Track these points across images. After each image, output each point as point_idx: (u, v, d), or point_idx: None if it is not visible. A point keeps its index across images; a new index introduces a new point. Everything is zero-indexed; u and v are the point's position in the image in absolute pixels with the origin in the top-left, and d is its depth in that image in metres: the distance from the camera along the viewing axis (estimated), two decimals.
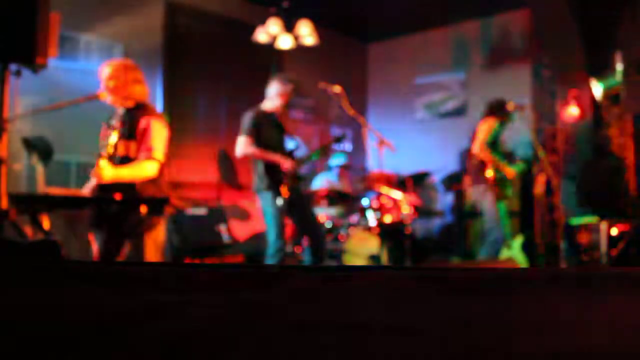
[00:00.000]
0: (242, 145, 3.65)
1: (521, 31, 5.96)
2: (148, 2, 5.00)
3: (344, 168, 5.52)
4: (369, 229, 4.63)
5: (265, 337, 0.74)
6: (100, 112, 3.18)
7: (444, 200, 6.29)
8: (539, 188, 4.97)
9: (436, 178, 6.15)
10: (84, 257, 3.09)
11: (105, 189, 2.73)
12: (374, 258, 4.42)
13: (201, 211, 4.78)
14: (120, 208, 2.65)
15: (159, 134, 2.86)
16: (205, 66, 5.46)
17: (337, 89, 3.97)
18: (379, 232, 4.51)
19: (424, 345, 0.70)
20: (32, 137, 3.44)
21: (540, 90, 5.55)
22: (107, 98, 2.89)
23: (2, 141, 2.27)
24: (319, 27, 5.28)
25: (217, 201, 5.20)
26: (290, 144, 3.93)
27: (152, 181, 2.84)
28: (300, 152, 4.05)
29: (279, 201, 3.57)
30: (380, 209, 4.68)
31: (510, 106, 4.35)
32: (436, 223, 6.35)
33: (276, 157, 3.65)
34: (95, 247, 2.80)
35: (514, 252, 4.32)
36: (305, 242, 3.95)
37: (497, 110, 4.38)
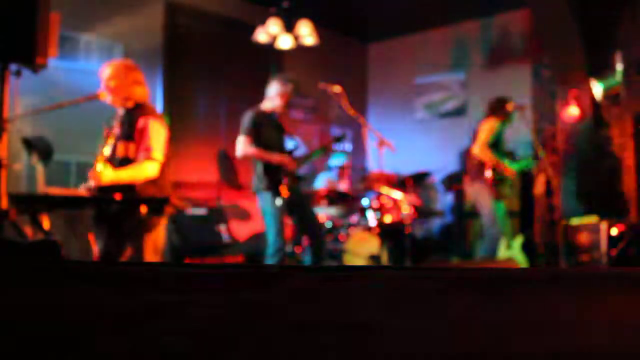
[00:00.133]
0: (242, 145, 3.65)
1: (521, 31, 5.96)
2: (148, 2, 5.00)
3: (343, 169, 5.51)
4: (369, 229, 4.63)
5: (265, 337, 0.74)
6: (100, 112, 3.18)
7: (444, 200, 6.29)
8: (539, 188, 4.97)
9: (436, 178, 6.14)
10: (84, 257, 3.09)
11: (105, 190, 2.74)
12: (374, 258, 4.42)
13: (201, 211, 4.78)
14: (120, 208, 2.65)
15: (157, 133, 2.86)
16: (205, 66, 5.46)
17: (337, 89, 3.97)
18: (379, 232, 4.51)
19: (424, 345, 0.70)
20: (32, 137, 3.44)
21: (540, 90, 5.55)
22: (107, 98, 2.89)
23: (2, 141, 2.27)
24: (319, 27, 5.28)
25: (217, 201, 5.20)
26: (290, 144, 3.93)
27: (153, 181, 2.84)
28: (300, 152, 4.05)
29: (278, 201, 3.58)
30: (380, 209, 4.68)
31: (510, 106, 4.35)
32: (436, 223, 6.35)
33: (276, 157, 3.65)
34: (95, 247, 2.80)
35: (514, 252, 4.31)
36: (305, 242, 3.95)
37: (498, 109, 4.37)
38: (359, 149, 6.37)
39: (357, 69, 7.18)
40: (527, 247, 4.52)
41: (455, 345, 0.70)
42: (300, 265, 4.14)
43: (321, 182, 5.42)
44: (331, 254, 4.53)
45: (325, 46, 5.62)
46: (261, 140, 3.66)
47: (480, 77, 6.29)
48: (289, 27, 5.18)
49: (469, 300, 1.05)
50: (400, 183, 5.32)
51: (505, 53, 6.14)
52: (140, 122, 2.84)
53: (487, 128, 4.30)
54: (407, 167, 5.76)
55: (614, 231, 4.31)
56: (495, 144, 4.32)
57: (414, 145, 6.29)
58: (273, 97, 3.77)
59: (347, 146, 6.37)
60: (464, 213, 5.93)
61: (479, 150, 4.27)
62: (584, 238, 4.46)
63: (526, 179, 5.15)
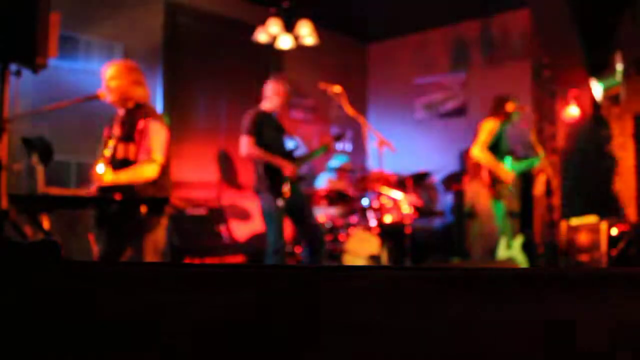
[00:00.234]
0: (245, 146, 3.65)
1: (521, 31, 5.96)
2: (148, 2, 5.00)
3: (343, 170, 5.50)
4: (369, 229, 4.62)
5: (265, 337, 0.74)
6: (100, 112, 3.18)
7: (444, 200, 6.29)
8: (539, 188, 4.97)
9: (436, 178, 6.14)
10: (84, 257, 3.09)
11: (105, 190, 2.74)
12: (374, 258, 4.42)
13: (201, 211, 4.78)
14: (120, 208, 2.66)
15: (157, 135, 2.87)
16: (205, 66, 5.46)
17: (337, 89, 3.97)
18: (379, 232, 4.51)
19: (424, 345, 0.70)
20: (32, 137, 3.43)
21: (540, 90, 5.54)
22: (107, 98, 2.90)
23: (2, 141, 2.27)
24: (319, 27, 5.28)
25: (217, 201, 5.20)
26: (290, 144, 3.93)
27: (153, 182, 2.84)
28: (300, 152, 4.05)
29: (280, 202, 3.58)
30: (380, 209, 4.68)
31: (510, 105, 4.33)
32: (436, 223, 6.35)
33: (278, 161, 3.66)
34: (95, 247, 2.80)
35: (514, 252, 4.31)
36: (304, 242, 3.95)
37: (498, 109, 4.35)
38: (359, 149, 6.37)
39: (357, 69, 7.17)
40: (527, 247, 4.51)
41: (455, 345, 0.70)
42: (300, 266, 4.14)
43: (322, 183, 5.42)
44: (331, 254, 4.53)
45: (325, 46, 5.61)
46: (262, 140, 3.66)
47: (480, 77, 6.28)
48: (289, 27, 5.18)
49: (469, 300, 1.05)
50: (400, 183, 5.32)
51: (505, 53, 6.13)
52: (141, 123, 2.85)
53: (487, 129, 4.28)
54: (407, 167, 5.76)
55: (614, 231, 4.31)
56: (497, 144, 4.30)
57: (414, 145, 6.28)
58: (271, 96, 3.78)
59: (347, 146, 6.36)
60: (464, 213, 5.92)
61: (477, 151, 4.25)
62: (584, 238, 4.46)
63: (526, 179, 5.14)
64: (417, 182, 5.49)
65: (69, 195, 2.99)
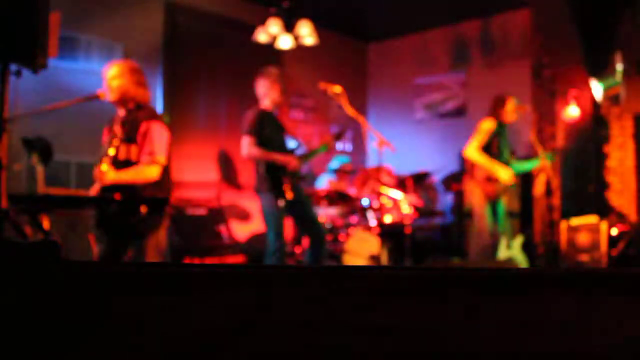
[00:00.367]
0: (247, 146, 3.64)
1: (521, 31, 5.96)
2: (148, 2, 5.00)
3: (343, 171, 5.50)
4: (369, 229, 4.62)
5: (265, 337, 0.74)
6: (100, 112, 3.18)
7: (444, 200, 6.29)
8: (539, 188, 4.97)
9: (436, 178, 6.14)
10: (84, 257, 3.09)
11: (106, 190, 2.75)
12: (374, 258, 4.42)
13: (201, 211, 4.78)
14: (121, 208, 2.66)
15: (159, 137, 2.88)
16: (205, 66, 5.46)
17: (337, 89, 3.96)
18: (379, 232, 4.51)
19: (424, 345, 0.70)
20: (32, 137, 3.44)
21: (540, 90, 5.54)
22: (107, 97, 2.90)
23: (2, 141, 2.27)
24: (319, 27, 5.28)
25: (217, 201, 5.20)
26: (291, 143, 3.93)
27: (154, 182, 2.85)
28: (301, 152, 4.05)
29: (281, 202, 3.57)
30: (380, 209, 4.68)
31: (508, 105, 4.31)
32: (436, 223, 6.35)
33: (280, 157, 3.65)
34: (95, 247, 2.81)
35: (514, 252, 4.31)
36: (305, 242, 3.95)
37: (494, 108, 4.33)
38: (359, 149, 6.37)
39: (357, 69, 7.17)
40: (527, 247, 4.51)
41: (455, 345, 0.70)
42: (301, 266, 4.14)
43: (322, 183, 5.42)
44: (331, 254, 4.53)
45: (325, 46, 5.61)
46: (263, 140, 3.66)
47: (480, 77, 6.28)
48: (289, 27, 5.17)
49: (469, 300, 1.05)
50: (400, 183, 5.32)
51: (505, 53, 6.14)
52: (143, 125, 2.86)
53: (482, 129, 4.27)
54: (407, 167, 5.76)
55: (614, 231, 4.31)
56: (497, 144, 4.28)
57: (414, 145, 6.28)
58: (267, 92, 3.75)
59: (347, 146, 6.37)
60: (464, 213, 5.92)
61: (470, 151, 4.24)
62: (584, 238, 4.46)
63: (526, 179, 5.14)
64: (417, 182, 5.49)
65: (69, 195, 3.00)
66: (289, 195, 3.58)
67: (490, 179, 4.23)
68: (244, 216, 5.39)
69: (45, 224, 2.51)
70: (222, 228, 4.84)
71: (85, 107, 3.16)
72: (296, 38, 5.21)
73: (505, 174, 4.17)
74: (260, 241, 4.20)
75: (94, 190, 2.88)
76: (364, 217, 4.78)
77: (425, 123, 6.71)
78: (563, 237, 4.61)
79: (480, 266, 4.08)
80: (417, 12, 6.10)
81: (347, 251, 4.46)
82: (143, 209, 2.62)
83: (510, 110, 4.30)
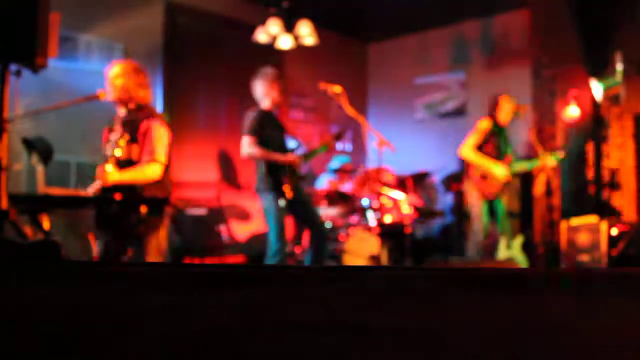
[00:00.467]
0: (247, 146, 3.64)
1: (521, 31, 5.96)
2: (148, 2, 5.00)
3: (343, 172, 5.50)
4: (369, 229, 4.62)
5: (265, 337, 0.74)
6: (100, 112, 3.18)
7: (444, 200, 6.29)
8: (539, 188, 4.96)
9: (436, 178, 6.14)
10: (84, 257, 3.09)
11: (106, 190, 2.75)
12: (374, 258, 4.42)
13: (201, 211, 4.78)
14: (121, 208, 2.66)
15: (160, 136, 2.89)
16: (205, 66, 5.46)
17: (337, 89, 3.97)
18: (379, 232, 4.51)
19: (424, 345, 0.70)
20: (32, 137, 3.44)
21: (540, 90, 5.54)
22: (108, 96, 2.91)
23: (2, 141, 2.27)
24: (319, 27, 5.28)
25: (217, 201, 5.20)
26: (291, 143, 3.93)
27: (155, 182, 2.85)
28: (301, 152, 4.05)
29: (282, 202, 3.57)
30: (380, 209, 4.68)
31: (505, 105, 4.32)
32: (436, 223, 6.35)
33: (281, 157, 3.65)
34: (95, 247, 2.81)
35: (514, 252, 4.31)
36: (305, 242, 3.95)
37: (491, 108, 4.35)
38: (359, 149, 6.37)
39: (357, 69, 7.17)
40: (527, 247, 4.51)
41: (455, 345, 0.70)
42: (300, 266, 4.14)
43: (322, 183, 5.42)
44: (331, 254, 4.53)
45: (325, 46, 5.62)
46: (264, 140, 3.66)
47: (480, 77, 6.28)
48: (289, 27, 5.18)
49: (469, 300, 1.05)
50: (400, 183, 5.32)
51: (505, 53, 6.14)
52: (144, 125, 2.86)
53: (478, 128, 4.30)
54: (407, 167, 5.76)
55: (614, 231, 4.31)
56: (492, 145, 4.28)
57: (414, 145, 6.28)
58: (266, 93, 3.75)
59: (347, 146, 6.37)
60: (464, 213, 5.92)
61: (464, 151, 4.25)
62: (584, 238, 4.46)
63: (526, 179, 5.14)
64: (417, 182, 5.49)
65: (69, 195, 3.00)
66: (290, 195, 3.58)
67: (485, 177, 4.25)
68: (244, 216, 5.39)
69: (45, 224, 2.51)
70: (222, 228, 4.85)
71: (85, 107, 3.16)
72: (296, 38, 5.22)
73: (499, 171, 4.19)
74: (260, 241, 4.20)
75: (92, 189, 2.88)
76: (364, 217, 4.77)
77: (425, 123, 6.71)
78: (563, 237, 4.60)
79: (479, 266, 4.08)
80: (417, 12, 6.10)
81: (347, 251, 4.46)
82: (143, 209, 2.62)
83: (505, 109, 4.31)
